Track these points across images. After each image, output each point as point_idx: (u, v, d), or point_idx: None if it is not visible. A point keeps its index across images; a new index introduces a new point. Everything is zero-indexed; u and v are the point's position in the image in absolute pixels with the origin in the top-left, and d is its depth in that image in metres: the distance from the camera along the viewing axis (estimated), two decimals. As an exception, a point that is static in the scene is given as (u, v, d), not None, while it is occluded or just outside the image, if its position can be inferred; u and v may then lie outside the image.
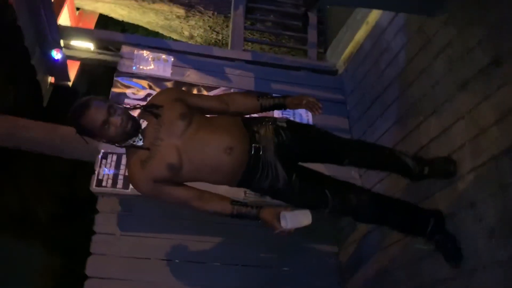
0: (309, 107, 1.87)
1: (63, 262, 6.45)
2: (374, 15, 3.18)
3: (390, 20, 2.94)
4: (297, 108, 1.96)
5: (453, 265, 1.98)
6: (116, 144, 1.73)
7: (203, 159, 1.74)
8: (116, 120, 1.63)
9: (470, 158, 2.00)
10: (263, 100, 1.93)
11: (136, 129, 1.69)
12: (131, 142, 1.71)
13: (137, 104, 1.77)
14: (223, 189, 1.92)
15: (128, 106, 1.81)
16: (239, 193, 2.75)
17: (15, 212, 6.29)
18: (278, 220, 1.69)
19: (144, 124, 1.73)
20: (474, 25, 2.10)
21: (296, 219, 1.69)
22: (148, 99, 2.05)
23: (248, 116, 1.99)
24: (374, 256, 2.75)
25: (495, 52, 1.93)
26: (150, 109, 1.74)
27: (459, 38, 2.20)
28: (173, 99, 1.77)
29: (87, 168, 3.07)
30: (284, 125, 1.91)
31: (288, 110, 2.24)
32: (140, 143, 1.71)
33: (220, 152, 1.74)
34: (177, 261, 2.95)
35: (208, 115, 1.89)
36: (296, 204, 1.91)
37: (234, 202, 1.80)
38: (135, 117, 1.72)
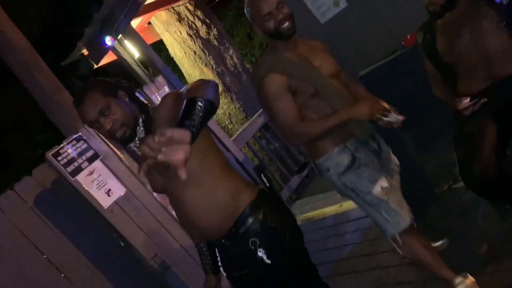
0: None
1: None
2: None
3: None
4: None
5: None
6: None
7: None
8: (106, 123, 1.48)
9: None
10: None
11: (130, 137, 1.52)
12: (129, 146, 1.55)
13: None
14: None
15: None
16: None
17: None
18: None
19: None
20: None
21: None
22: None
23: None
24: None
25: None
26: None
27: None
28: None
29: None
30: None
31: None
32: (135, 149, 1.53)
33: None
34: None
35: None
36: None
37: None
38: (133, 122, 1.51)
